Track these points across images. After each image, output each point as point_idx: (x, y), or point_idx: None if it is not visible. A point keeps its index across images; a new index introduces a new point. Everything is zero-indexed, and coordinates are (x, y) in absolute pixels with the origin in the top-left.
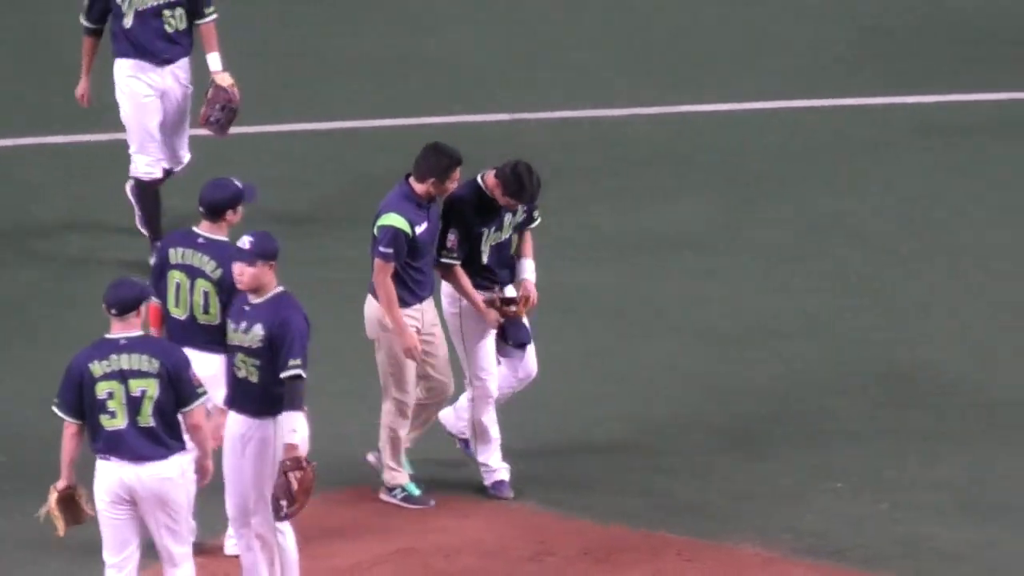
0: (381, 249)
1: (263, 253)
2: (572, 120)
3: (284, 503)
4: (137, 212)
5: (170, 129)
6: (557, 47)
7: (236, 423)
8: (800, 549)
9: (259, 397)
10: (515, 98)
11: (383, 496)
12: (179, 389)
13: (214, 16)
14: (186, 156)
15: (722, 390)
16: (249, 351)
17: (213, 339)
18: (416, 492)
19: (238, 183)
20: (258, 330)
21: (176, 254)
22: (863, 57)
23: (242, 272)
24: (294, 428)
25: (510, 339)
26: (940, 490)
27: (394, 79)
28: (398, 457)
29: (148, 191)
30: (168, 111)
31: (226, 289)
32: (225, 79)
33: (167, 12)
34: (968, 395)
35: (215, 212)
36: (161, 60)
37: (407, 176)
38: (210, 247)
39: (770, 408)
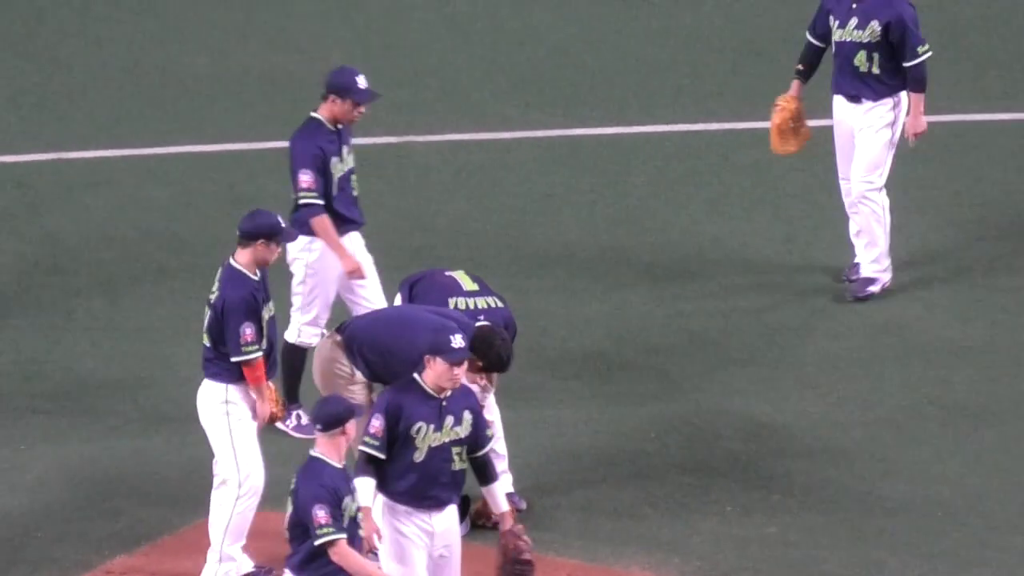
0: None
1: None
2: (460, 143)
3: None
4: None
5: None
6: (441, 70)
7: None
8: (688, 572)
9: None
10: (403, 121)
11: None
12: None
13: None
14: None
15: (605, 411)
16: (459, 441)
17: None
18: None
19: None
20: (467, 416)
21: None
22: (740, 80)
23: (460, 374)
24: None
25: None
26: (828, 513)
27: (265, 99)
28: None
29: (300, 355)
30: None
31: (213, 315)
32: None
33: (353, 178)
34: (857, 412)
35: (243, 239)
36: (359, 226)
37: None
38: (225, 270)
39: (655, 428)
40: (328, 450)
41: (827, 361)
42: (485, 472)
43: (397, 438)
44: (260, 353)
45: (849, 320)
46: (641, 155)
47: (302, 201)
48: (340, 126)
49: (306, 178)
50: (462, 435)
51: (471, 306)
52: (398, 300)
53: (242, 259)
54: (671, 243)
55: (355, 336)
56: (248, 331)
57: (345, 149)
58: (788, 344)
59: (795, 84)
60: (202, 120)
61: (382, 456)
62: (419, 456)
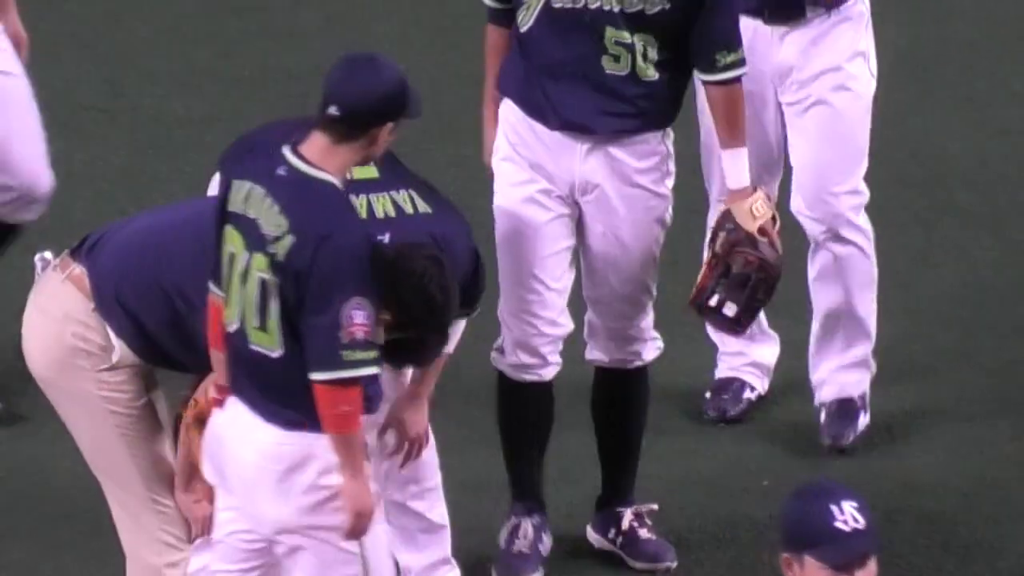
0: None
1: None
2: None
3: None
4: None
5: None
6: None
7: None
8: None
9: None
10: None
11: None
12: None
13: None
14: None
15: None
16: None
17: (270, 386)
18: None
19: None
20: None
21: (239, 193)
22: None
23: None
24: None
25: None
26: None
27: None
28: None
29: None
30: None
31: (291, 284)
32: None
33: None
34: None
35: (356, 123)
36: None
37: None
38: (293, 188)
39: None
40: None
41: None
42: None
43: None
44: (378, 364)
45: None
46: None
47: None
48: None
49: None
50: None
51: (362, 211)
52: (215, 188)
53: (333, 160)
54: None
55: (112, 266)
56: (361, 314)
57: None
58: None
59: None
60: None
61: None
62: None
